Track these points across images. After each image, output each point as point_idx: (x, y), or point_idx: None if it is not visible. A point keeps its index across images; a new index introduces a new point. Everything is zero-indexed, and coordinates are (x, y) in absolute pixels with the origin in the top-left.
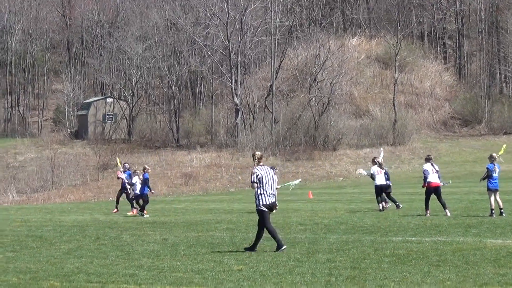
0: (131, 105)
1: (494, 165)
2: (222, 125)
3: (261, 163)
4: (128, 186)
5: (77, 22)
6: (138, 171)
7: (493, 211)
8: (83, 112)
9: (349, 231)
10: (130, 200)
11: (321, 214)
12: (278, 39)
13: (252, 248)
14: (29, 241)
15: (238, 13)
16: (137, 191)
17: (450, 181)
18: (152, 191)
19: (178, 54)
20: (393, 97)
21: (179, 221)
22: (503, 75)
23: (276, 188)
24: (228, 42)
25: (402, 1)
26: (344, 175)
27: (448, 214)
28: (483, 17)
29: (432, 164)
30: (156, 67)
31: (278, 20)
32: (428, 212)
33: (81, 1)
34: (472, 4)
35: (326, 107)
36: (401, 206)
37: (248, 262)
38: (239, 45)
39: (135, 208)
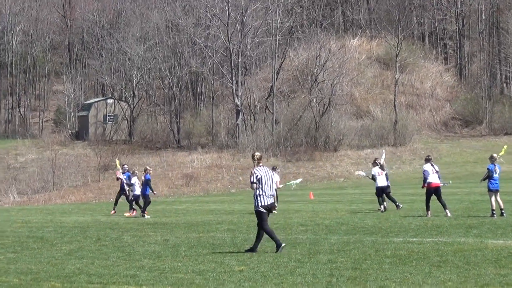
0: (131, 106)
1: (495, 165)
2: (223, 126)
3: (260, 164)
4: (126, 188)
5: (77, 23)
6: (137, 172)
7: (494, 212)
8: (84, 113)
9: (350, 232)
10: (130, 201)
11: (322, 215)
12: (278, 40)
13: (253, 249)
14: (30, 242)
15: (238, 14)
16: (136, 192)
17: (450, 181)
18: (154, 192)
19: (179, 55)
20: (394, 98)
21: (180, 222)
22: (503, 76)
23: (278, 188)
24: (229, 43)
25: (402, 2)
26: (345, 176)
27: (449, 214)
28: (483, 17)
29: (432, 165)
30: (156, 68)
31: (278, 20)
32: (429, 212)
33: (82, 2)
34: (473, 5)
35: (327, 107)
36: (401, 206)
37: (249, 263)
38: (239, 46)
39: (133, 209)
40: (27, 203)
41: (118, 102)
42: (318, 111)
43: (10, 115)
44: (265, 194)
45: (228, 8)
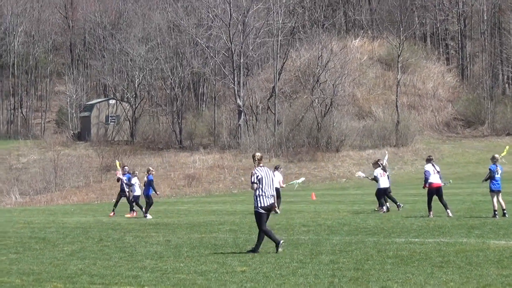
0: (133, 106)
1: (497, 166)
2: (225, 127)
3: (261, 164)
4: (126, 189)
5: (79, 24)
6: (137, 172)
7: (496, 212)
8: (86, 113)
9: (352, 232)
10: (130, 202)
11: (324, 216)
12: (280, 41)
13: (255, 249)
14: (32, 243)
15: (240, 15)
16: (136, 193)
17: (450, 180)
18: (157, 192)
19: (181, 55)
20: (396, 98)
21: (182, 223)
22: (505, 76)
23: (282, 187)
24: (231, 44)
25: (404, 2)
26: (347, 176)
27: (450, 214)
28: (485, 18)
29: (433, 165)
30: (158, 68)
31: (280, 21)
32: (431, 213)
33: (84, 3)
34: (475, 5)
35: (329, 108)
36: (401, 205)
37: (251, 263)
38: (241, 47)
39: (134, 211)
40: (29, 204)
41: (120, 102)
42: (320, 112)
43: (12, 115)
44: (265, 195)
45: (230, 9)
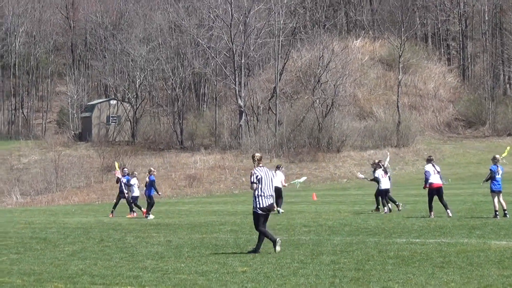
0: (135, 107)
1: (498, 166)
2: (226, 127)
3: (260, 165)
4: (125, 191)
5: (80, 24)
6: (136, 173)
7: (497, 213)
8: (87, 114)
9: (353, 233)
10: (130, 204)
11: (325, 216)
12: (281, 41)
13: (255, 250)
14: (33, 243)
15: (241, 15)
16: (135, 194)
17: (449, 179)
18: (159, 193)
19: (182, 56)
20: (397, 99)
21: (183, 223)
22: (507, 77)
23: (284, 186)
24: (232, 44)
25: (405, 3)
26: (348, 176)
27: (450, 214)
28: (486, 18)
29: (433, 165)
30: (159, 69)
31: (281, 22)
32: (432, 213)
33: (85, 3)
34: (476, 6)
35: (330, 108)
36: (401, 205)
37: (252, 264)
38: (242, 47)
39: (134, 211)
40: (30, 204)
41: (121, 103)
42: (321, 112)
43: (13, 116)
44: (264, 195)
45: (231, 9)
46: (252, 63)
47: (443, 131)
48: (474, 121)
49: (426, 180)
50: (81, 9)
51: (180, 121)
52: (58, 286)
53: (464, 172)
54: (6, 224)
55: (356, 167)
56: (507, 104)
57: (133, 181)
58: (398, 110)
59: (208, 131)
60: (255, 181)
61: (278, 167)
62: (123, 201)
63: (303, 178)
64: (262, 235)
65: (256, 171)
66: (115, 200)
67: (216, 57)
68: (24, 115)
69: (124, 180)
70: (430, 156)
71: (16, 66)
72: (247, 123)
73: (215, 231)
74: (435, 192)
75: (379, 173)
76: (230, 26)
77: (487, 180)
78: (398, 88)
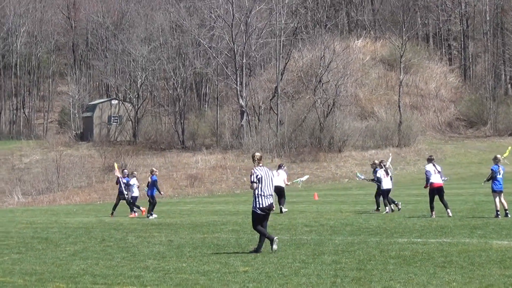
0: (136, 107)
1: (499, 166)
2: (227, 127)
3: (260, 164)
4: (125, 192)
5: (82, 24)
6: (136, 173)
7: (499, 213)
8: (88, 114)
9: (355, 233)
10: (129, 204)
11: (327, 216)
12: (283, 41)
13: (257, 249)
14: (35, 243)
15: (243, 15)
16: (134, 194)
17: (447, 178)
18: (161, 192)
19: (183, 56)
20: (398, 99)
21: (184, 223)
22: (508, 77)
23: (287, 184)
24: (233, 44)
25: (407, 3)
26: (349, 176)
27: (450, 214)
28: (488, 18)
29: (434, 165)
30: (161, 69)
31: (283, 22)
32: (433, 213)
33: (86, 3)
34: (477, 6)
35: (331, 108)
36: (400, 203)
37: (254, 263)
38: (244, 47)
39: (135, 211)
40: (32, 204)
41: (122, 103)
42: (322, 112)
43: (14, 116)
44: (264, 195)
45: (233, 9)
46: (253, 63)
47: (445, 131)
48: (475, 121)
49: (427, 179)
50: (83, 9)
51: (182, 121)
52: (59, 286)
53: (466, 172)
54: (8, 224)
55: (358, 167)
56: (508, 104)
57: (133, 181)
58: (400, 110)
59: (210, 131)
60: (255, 180)
61: (280, 166)
62: (123, 201)
63: (305, 177)
64: (260, 233)
65: (256, 171)
66: (115, 201)
67: (218, 57)
68: (25, 115)
69: (124, 181)
70: (430, 156)
71: (18, 66)
72: (249, 123)
73: (216, 231)
74: (435, 191)
75: (381, 173)
76: (232, 26)
77: (488, 180)
78: (399, 88)
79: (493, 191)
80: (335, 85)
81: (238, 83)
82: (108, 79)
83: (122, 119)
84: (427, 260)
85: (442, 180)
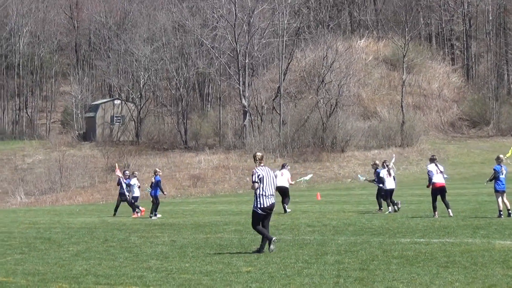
0: (139, 107)
1: (501, 166)
2: (230, 127)
3: (262, 164)
4: (127, 193)
5: (84, 24)
6: (137, 173)
7: (501, 213)
8: (91, 114)
9: (358, 233)
10: (131, 205)
11: (329, 216)
12: (285, 41)
13: (260, 249)
14: (38, 243)
15: (245, 15)
16: (135, 194)
17: (448, 176)
18: (165, 193)
19: (186, 56)
20: (401, 99)
21: (187, 223)
22: (511, 76)
23: (291, 184)
24: (236, 44)
25: (409, 3)
26: (352, 176)
27: (451, 214)
28: (490, 18)
29: (436, 165)
30: (163, 69)
31: (285, 22)
32: (436, 213)
33: (89, 3)
34: (480, 6)
35: (334, 108)
36: (399, 203)
37: (257, 263)
38: (246, 47)
39: (137, 212)
40: (35, 204)
41: (125, 103)
42: (325, 112)
43: (17, 116)
44: (266, 195)
45: (235, 9)
46: (256, 63)
47: (447, 131)
48: (478, 121)
49: (430, 179)
50: (85, 9)
51: (184, 121)
52: (62, 286)
53: (468, 172)
54: (11, 224)
55: (360, 167)
56: (511, 104)
57: (133, 181)
58: (402, 110)
59: (212, 131)
60: (256, 180)
61: (284, 166)
62: (124, 202)
63: (309, 176)
64: (258, 233)
65: (257, 171)
66: (116, 202)
67: (220, 57)
68: (28, 115)
69: (125, 181)
70: (433, 156)
71: (20, 66)
72: (251, 123)
73: (219, 231)
74: (438, 191)
75: (384, 173)
76: (234, 26)
77: (491, 180)
78: (402, 88)
79: (496, 191)
80: (338, 85)
81: (240, 83)
82: (111, 79)
83: (125, 119)
84: (430, 260)
85: (445, 176)
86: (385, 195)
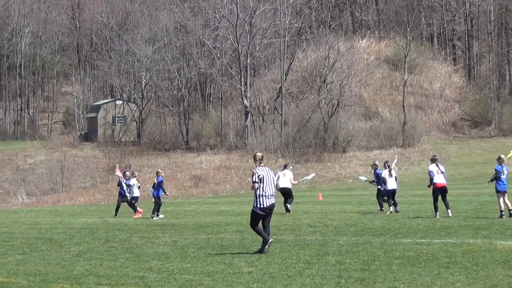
0: (140, 107)
1: (503, 167)
2: (232, 127)
3: (262, 164)
4: (127, 194)
5: (86, 25)
6: (136, 173)
7: (503, 213)
8: (92, 114)
9: (359, 233)
10: (131, 206)
11: (331, 216)
12: (287, 41)
13: (261, 250)
14: (39, 244)
15: (247, 15)
16: (135, 194)
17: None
18: (167, 193)
19: (188, 56)
20: (403, 99)
21: (188, 223)
22: None
23: (294, 184)
24: (238, 44)
25: (411, 3)
26: (353, 177)
27: (450, 214)
28: (492, 18)
29: (437, 165)
30: (165, 69)
31: (287, 22)
32: (437, 213)
33: (91, 4)
34: (481, 6)
35: (336, 108)
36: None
37: (258, 264)
38: (248, 47)
39: (138, 212)
40: (36, 205)
41: (127, 103)
42: (326, 112)
43: (19, 116)
44: (266, 195)
45: (237, 10)
46: (257, 63)
47: (449, 131)
48: (480, 121)
49: (431, 179)
50: (87, 10)
51: (186, 121)
52: (64, 286)
53: (470, 172)
54: (12, 224)
55: (362, 168)
56: None
57: (133, 181)
58: (404, 110)
59: (214, 132)
60: (256, 180)
61: (286, 166)
62: (124, 203)
63: (312, 175)
64: (256, 233)
65: (258, 171)
66: (116, 203)
67: (222, 57)
68: (30, 115)
69: (125, 182)
70: (434, 156)
71: (22, 66)
72: (253, 123)
73: (221, 232)
74: (439, 192)
75: (385, 173)
76: (236, 26)
77: (492, 180)
78: (404, 88)
79: (497, 191)
80: (340, 85)
81: (242, 83)
82: (113, 80)
83: (127, 119)
84: (431, 261)
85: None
86: (386, 196)
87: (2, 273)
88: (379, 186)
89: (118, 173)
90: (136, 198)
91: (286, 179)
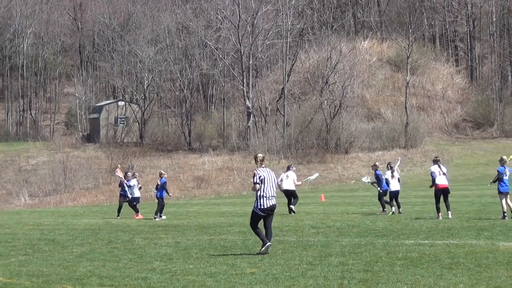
0: (143, 108)
1: (505, 168)
2: (234, 128)
3: (263, 165)
4: (128, 194)
5: (88, 26)
6: (137, 174)
7: (505, 214)
8: (95, 115)
9: (362, 234)
10: (132, 206)
11: (334, 217)
12: (289, 42)
13: (260, 251)
14: (42, 245)
15: (249, 16)
16: (135, 195)
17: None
18: (170, 194)
19: (190, 57)
20: (405, 100)
21: (191, 224)
22: None
23: (297, 185)
24: (240, 45)
25: (413, 4)
26: (356, 178)
27: (450, 216)
28: (494, 19)
29: (439, 166)
30: (167, 70)
31: (289, 23)
32: (440, 214)
33: (93, 5)
34: (484, 7)
35: (338, 110)
36: (392, 212)
37: (261, 265)
38: (250, 48)
39: (139, 212)
40: (39, 206)
41: (129, 104)
42: (329, 113)
43: (21, 117)
44: (267, 196)
45: (239, 10)
46: (260, 64)
47: (451, 132)
48: (482, 122)
49: (433, 180)
50: (89, 11)
51: (188, 122)
52: (66, 287)
53: (472, 173)
54: (15, 225)
55: (364, 169)
56: None
57: (133, 182)
58: (406, 111)
59: (216, 132)
60: (257, 181)
61: (289, 167)
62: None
63: (315, 175)
64: (256, 234)
65: (259, 172)
66: (118, 204)
67: (224, 58)
68: (32, 116)
69: (127, 183)
70: (436, 157)
71: (24, 67)
72: (255, 124)
73: (223, 233)
74: (441, 192)
75: (388, 175)
76: (238, 27)
77: (494, 182)
78: (406, 89)
79: (500, 192)
80: (342, 86)
81: (244, 84)
82: (115, 81)
83: (129, 120)
84: (434, 262)
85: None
86: (389, 197)
87: (4, 274)
88: (379, 188)
89: (119, 173)
90: (137, 199)
91: (289, 181)
